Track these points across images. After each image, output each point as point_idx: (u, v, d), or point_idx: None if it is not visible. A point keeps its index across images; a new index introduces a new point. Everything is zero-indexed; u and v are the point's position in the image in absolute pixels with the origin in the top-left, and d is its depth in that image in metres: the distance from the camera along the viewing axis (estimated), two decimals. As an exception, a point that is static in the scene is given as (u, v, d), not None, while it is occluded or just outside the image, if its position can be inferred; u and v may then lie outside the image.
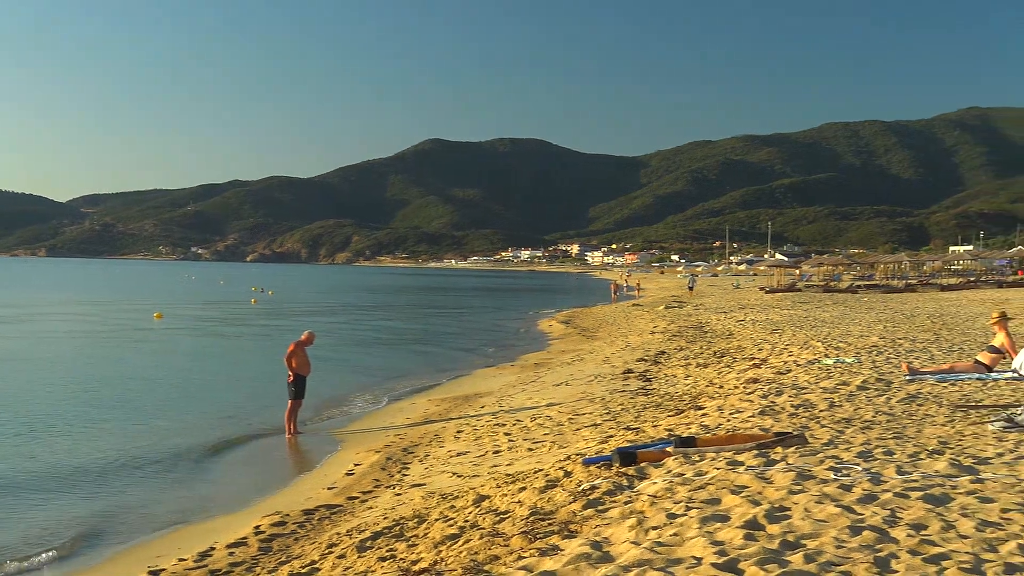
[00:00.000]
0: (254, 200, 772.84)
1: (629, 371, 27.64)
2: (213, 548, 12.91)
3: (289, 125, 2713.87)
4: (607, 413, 19.63)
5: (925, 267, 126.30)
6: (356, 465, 18.26)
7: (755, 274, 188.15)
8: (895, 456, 10.94)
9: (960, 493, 8.95)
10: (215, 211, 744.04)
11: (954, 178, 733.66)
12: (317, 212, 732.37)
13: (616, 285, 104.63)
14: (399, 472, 17.05)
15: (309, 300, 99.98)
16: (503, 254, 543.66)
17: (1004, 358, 20.06)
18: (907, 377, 19.14)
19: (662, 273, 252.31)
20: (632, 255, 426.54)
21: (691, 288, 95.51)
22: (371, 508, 14.24)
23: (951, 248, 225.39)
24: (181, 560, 12.46)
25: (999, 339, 20.40)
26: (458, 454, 17.66)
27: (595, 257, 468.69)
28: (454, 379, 32.78)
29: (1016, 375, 18.76)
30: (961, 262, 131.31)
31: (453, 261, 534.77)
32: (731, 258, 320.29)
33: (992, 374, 19.33)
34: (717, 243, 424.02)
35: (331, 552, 11.25)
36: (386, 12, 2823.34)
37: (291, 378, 22.65)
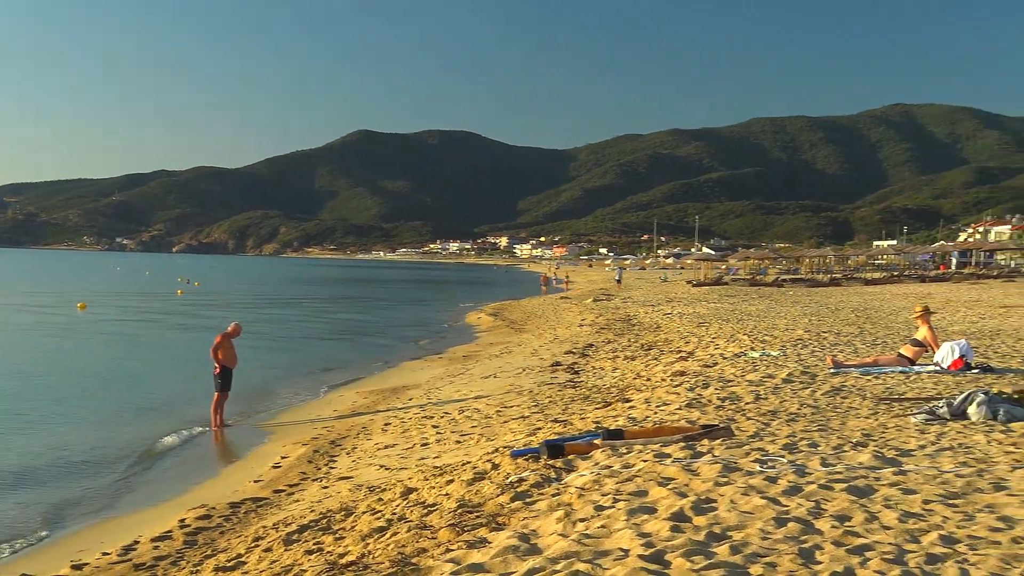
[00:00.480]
0: (181, 190, 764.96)
1: (557, 363, 27.70)
2: (137, 542, 12.76)
3: (217, 115, 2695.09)
4: (535, 405, 19.65)
5: (849, 261, 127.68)
6: (283, 458, 18.14)
7: (682, 267, 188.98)
8: (820, 448, 11.05)
9: (883, 485, 9.05)
10: (141, 201, 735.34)
11: (878, 174, 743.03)
12: (244, 203, 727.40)
13: (546, 277, 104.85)
14: (326, 465, 16.96)
15: (236, 292, 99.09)
16: (432, 246, 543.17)
17: (926, 351, 20.33)
18: (831, 370, 19.33)
19: (590, 266, 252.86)
20: (561, 248, 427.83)
21: (619, 281, 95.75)
22: (298, 501, 14.16)
23: (875, 243, 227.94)
24: (105, 554, 12.31)
25: (922, 333, 20.67)
26: (386, 447, 17.60)
27: (524, 250, 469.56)
28: (382, 371, 32.66)
29: (938, 368, 19.04)
30: (885, 257, 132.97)
31: (382, 253, 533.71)
32: (659, 251, 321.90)
33: (915, 367, 19.58)
34: (645, 236, 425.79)
35: (257, 545, 11.17)
36: (316, 2, 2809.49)
37: (217, 370, 22.46)
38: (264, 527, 12.45)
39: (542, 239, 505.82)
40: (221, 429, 21.78)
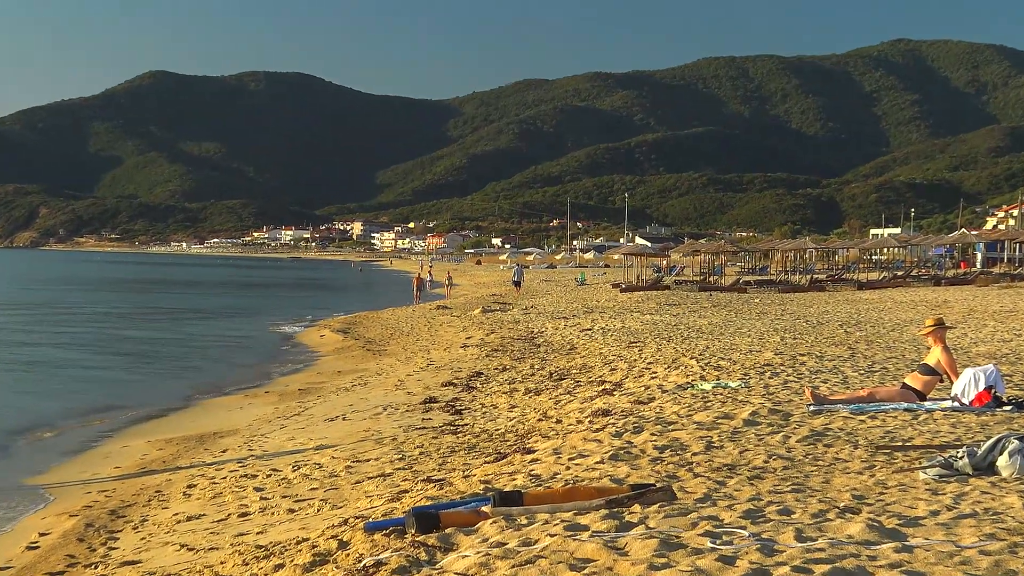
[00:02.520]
0: None
1: (432, 400, 27.74)
2: None
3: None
4: (400, 459, 19.65)
5: (837, 257, 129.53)
6: (42, 535, 17.95)
7: (607, 266, 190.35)
8: (794, 516, 11.12)
9: (880, 566, 9.13)
10: None
11: (876, 135, 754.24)
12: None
13: (419, 279, 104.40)
14: (104, 545, 16.81)
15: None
16: (256, 235, 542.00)
17: (941, 381, 20.48)
18: (812, 408, 19.40)
19: (479, 263, 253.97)
20: (438, 237, 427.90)
21: (518, 284, 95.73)
22: (63, 597, 14.01)
23: (872, 232, 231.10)
24: None
25: (934, 356, 20.79)
26: (189, 518, 17.49)
27: (386, 240, 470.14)
28: (185, 411, 32.49)
29: (956, 404, 19.18)
30: (885, 250, 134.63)
31: (184, 244, 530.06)
32: (574, 243, 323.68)
33: (925, 403, 19.64)
34: (555, 222, 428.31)
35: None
36: None
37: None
38: (14, 635, 12.30)
39: (411, 225, 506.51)
40: (-47, 495, 21.48)
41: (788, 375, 25.17)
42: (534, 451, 17.31)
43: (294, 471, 20.17)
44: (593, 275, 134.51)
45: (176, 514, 18.05)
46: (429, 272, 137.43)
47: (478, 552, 10.20)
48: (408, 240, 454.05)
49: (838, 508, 11.47)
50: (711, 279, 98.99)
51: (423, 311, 71.96)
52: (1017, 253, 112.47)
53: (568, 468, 14.99)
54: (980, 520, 10.73)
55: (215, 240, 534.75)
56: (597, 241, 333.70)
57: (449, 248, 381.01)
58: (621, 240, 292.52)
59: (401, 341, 50.74)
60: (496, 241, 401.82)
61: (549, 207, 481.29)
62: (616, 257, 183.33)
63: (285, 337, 60.00)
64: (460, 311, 67.64)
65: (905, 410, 19.05)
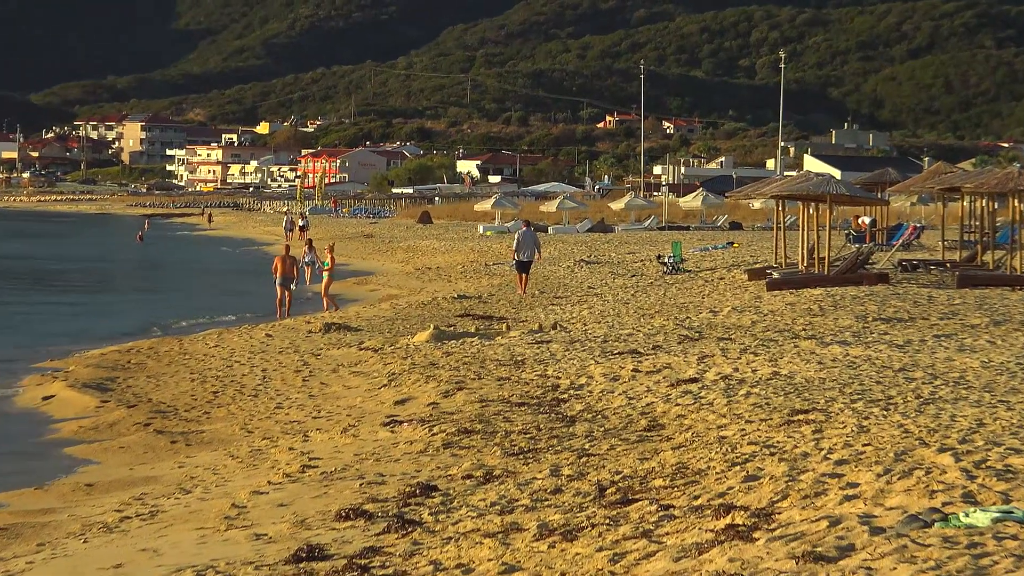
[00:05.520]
0: None
1: (314, 553, 27.56)
2: None
3: None
4: None
5: None
6: None
7: (733, 226, 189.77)
8: None
9: None
10: None
11: None
12: None
13: (286, 262, 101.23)
14: None
15: None
16: None
17: None
18: None
19: (426, 220, 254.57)
20: (328, 159, 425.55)
21: (524, 267, 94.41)
22: None
23: None
24: None
25: None
26: None
27: (201, 165, 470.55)
28: None
29: None
30: None
31: None
32: (656, 172, 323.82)
33: None
34: (608, 120, 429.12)
35: None
36: None
37: None
38: None
39: (261, 130, 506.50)
40: None
41: None
42: None
43: None
44: (701, 248, 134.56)
45: None
46: (307, 244, 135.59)
47: None
48: (256, 165, 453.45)
49: None
50: (986, 258, 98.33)
51: (292, 335, 71.95)
52: None
53: None
54: None
55: None
56: (711, 167, 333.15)
57: (356, 183, 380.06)
58: (769, 164, 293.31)
59: (239, 409, 50.75)
60: (467, 167, 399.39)
61: (592, 86, 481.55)
62: (756, 206, 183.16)
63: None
64: (383, 336, 67.76)
65: None
